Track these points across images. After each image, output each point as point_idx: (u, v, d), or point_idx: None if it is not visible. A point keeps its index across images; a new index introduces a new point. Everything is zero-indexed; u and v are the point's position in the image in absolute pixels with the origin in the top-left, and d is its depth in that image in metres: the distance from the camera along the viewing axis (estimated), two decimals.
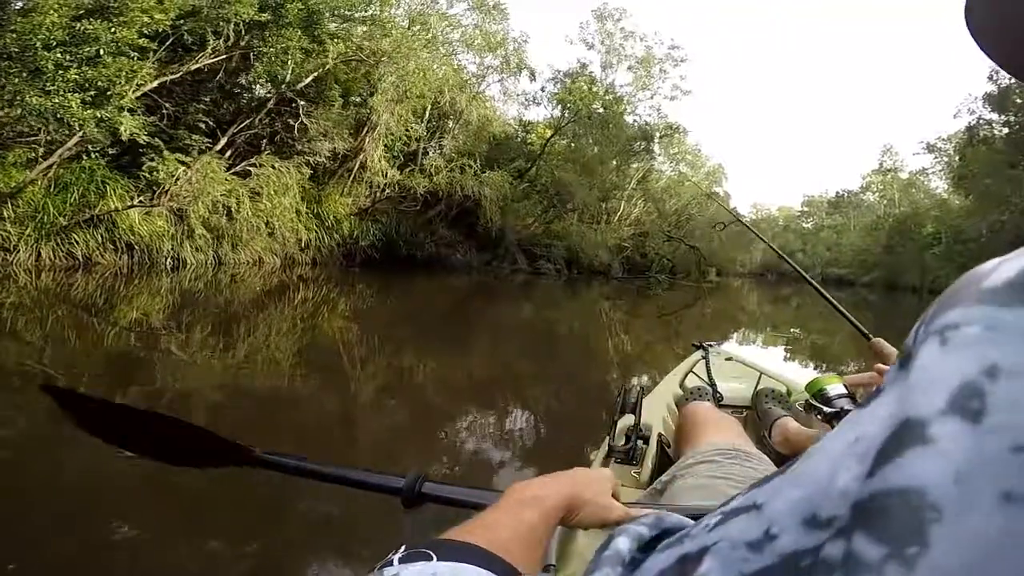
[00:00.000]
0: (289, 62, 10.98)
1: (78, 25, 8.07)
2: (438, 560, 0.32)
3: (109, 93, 8.41)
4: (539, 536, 0.44)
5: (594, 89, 19.78)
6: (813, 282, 1.60)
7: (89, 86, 8.14)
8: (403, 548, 0.34)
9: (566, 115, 19.17)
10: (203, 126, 11.27)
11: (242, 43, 10.78)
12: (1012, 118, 21.93)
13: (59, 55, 7.87)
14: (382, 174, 13.45)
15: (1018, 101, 21.61)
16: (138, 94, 9.23)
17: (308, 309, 10.26)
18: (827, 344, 8.51)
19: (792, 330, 10.09)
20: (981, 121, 24.33)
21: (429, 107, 15.40)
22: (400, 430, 3.31)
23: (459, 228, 16.54)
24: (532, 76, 17.21)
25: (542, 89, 19.34)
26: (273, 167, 11.55)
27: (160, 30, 9.29)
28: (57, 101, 7.64)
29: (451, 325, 8.55)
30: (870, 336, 1.18)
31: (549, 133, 20.68)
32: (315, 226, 13.14)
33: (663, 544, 0.20)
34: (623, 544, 0.23)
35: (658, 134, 23.16)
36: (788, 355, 7.31)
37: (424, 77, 13.46)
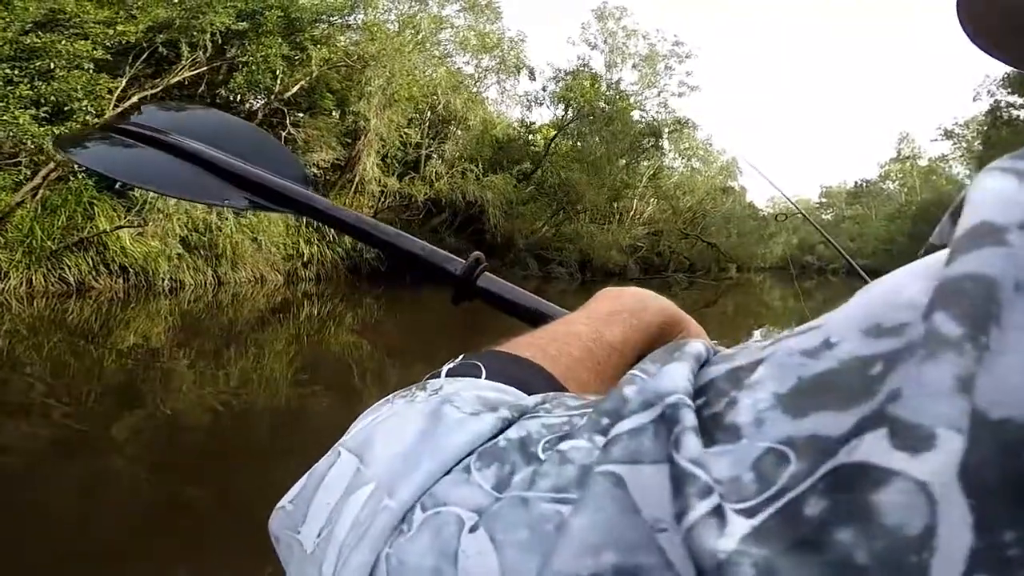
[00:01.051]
0: (276, 71, 10.63)
1: (26, 39, 7.76)
2: (486, 377, 0.28)
3: (68, 109, 8.08)
4: (617, 362, 0.36)
5: (597, 85, 19.26)
6: (865, 274, 1.43)
7: (44, 102, 7.79)
8: (459, 359, 0.31)
9: (570, 114, 18.66)
10: None
11: (226, 54, 10.45)
12: None
13: (7, 70, 7.55)
14: (376, 182, 12.99)
15: None
16: (119, 110, 8.91)
17: (314, 326, 9.96)
18: None
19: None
20: (1003, 103, 23.41)
21: (429, 112, 15.00)
22: None
23: (465, 235, 16.04)
24: (532, 75, 16.77)
25: (543, 88, 18.89)
26: None
27: (131, 43, 8.99)
28: (6, 119, 7.30)
29: (459, 337, 8.56)
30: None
31: (553, 133, 20.27)
32: (317, 240, 12.71)
33: (715, 358, 0.20)
34: (700, 347, 0.20)
35: (667, 130, 22.59)
36: None
37: (413, 79, 13.02)
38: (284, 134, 11.46)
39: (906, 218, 41.78)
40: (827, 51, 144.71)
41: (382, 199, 14.16)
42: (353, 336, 8.96)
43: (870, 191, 53.49)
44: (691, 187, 27.83)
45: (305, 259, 12.70)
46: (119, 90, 9.33)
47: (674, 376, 0.18)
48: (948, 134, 41.34)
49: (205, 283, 11.41)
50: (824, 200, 65.54)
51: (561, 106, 18.56)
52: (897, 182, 50.06)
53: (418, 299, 13.83)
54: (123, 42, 8.86)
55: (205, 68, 10.48)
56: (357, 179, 13.00)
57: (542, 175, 18.24)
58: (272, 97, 11.37)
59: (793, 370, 0.16)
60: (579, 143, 19.87)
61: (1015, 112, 22.92)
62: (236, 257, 11.47)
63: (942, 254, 0.15)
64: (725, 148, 42.94)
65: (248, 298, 11.72)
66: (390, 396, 0.27)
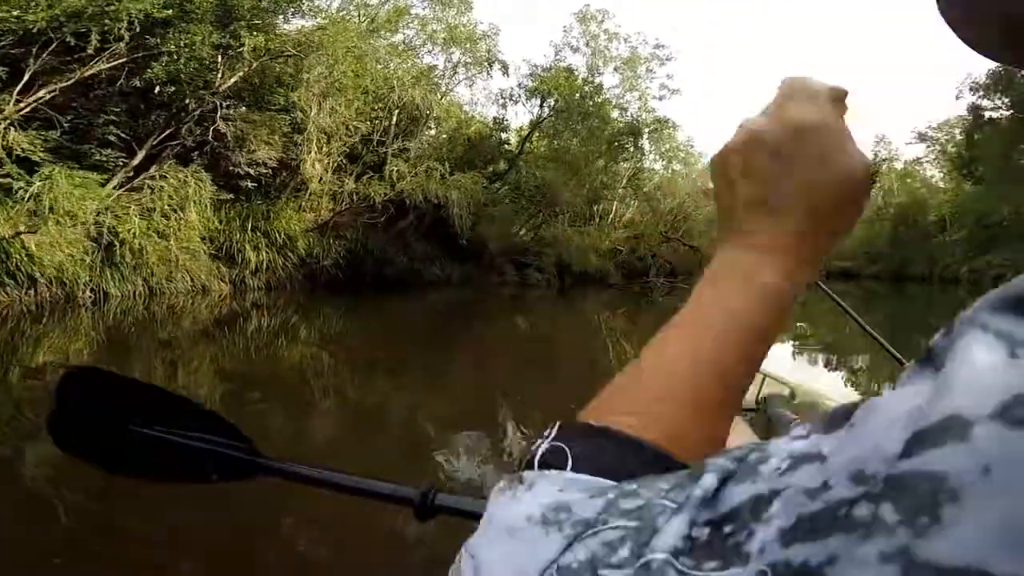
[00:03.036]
0: (207, 62, 9.50)
1: None
2: (572, 467, 0.27)
3: None
4: (754, 350, 0.31)
5: (572, 80, 18.43)
6: (856, 316, 1.46)
7: None
8: (556, 429, 0.29)
9: (546, 110, 17.78)
10: (114, 139, 9.76)
11: (148, 43, 9.29)
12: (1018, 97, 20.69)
13: None
14: (319, 180, 11.82)
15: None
16: (22, 107, 7.77)
17: (264, 339, 9.03)
18: (834, 342, 8.36)
19: (798, 324, 10.04)
20: (985, 102, 23.24)
21: (397, 111, 13.95)
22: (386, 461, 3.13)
23: (435, 240, 15.00)
24: (505, 70, 15.81)
25: (519, 85, 17.99)
26: (181, 179, 9.91)
27: (33, 32, 7.84)
28: None
29: (429, 349, 7.93)
30: (903, 361, 1.21)
31: (528, 130, 19.39)
32: (264, 246, 11.56)
33: (738, 476, 0.21)
34: (709, 482, 0.22)
35: (647, 129, 21.90)
36: (793, 355, 7.07)
37: (362, 66, 11.94)
38: (212, 129, 10.31)
39: (885, 220, 41.93)
40: (804, 53, 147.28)
41: (336, 201, 13.01)
42: (311, 348, 8.20)
43: None
44: (672, 189, 27.26)
45: (253, 267, 11.54)
46: (21, 84, 8.14)
47: (668, 534, 0.20)
48: (922, 137, 41.86)
49: (135, 294, 10.22)
50: None
51: (536, 101, 17.66)
52: (875, 185, 50.53)
53: (382, 307, 12.90)
54: (26, 31, 7.71)
55: (125, 59, 9.32)
56: (300, 179, 11.85)
57: (517, 176, 17.30)
58: (204, 90, 10.21)
59: (796, 508, 0.18)
60: (555, 142, 19.01)
61: (1000, 111, 22.74)
62: (173, 265, 10.31)
63: (929, 409, 0.16)
64: (706, 151, 42.88)
65: (188, 310, 10.61)
66: (502, 485, 0.28)
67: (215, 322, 10.36)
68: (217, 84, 10.23)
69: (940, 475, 0.15)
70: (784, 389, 1.71)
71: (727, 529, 0.19)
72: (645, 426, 0.29)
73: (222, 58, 10.11)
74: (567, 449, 0.28)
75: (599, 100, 19.37)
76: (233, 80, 10.38)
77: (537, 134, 19.85)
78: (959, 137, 36.51)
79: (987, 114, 23.24)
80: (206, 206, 10.20)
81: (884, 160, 47.17)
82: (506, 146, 18.27)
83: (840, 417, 0.20)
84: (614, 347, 8.24)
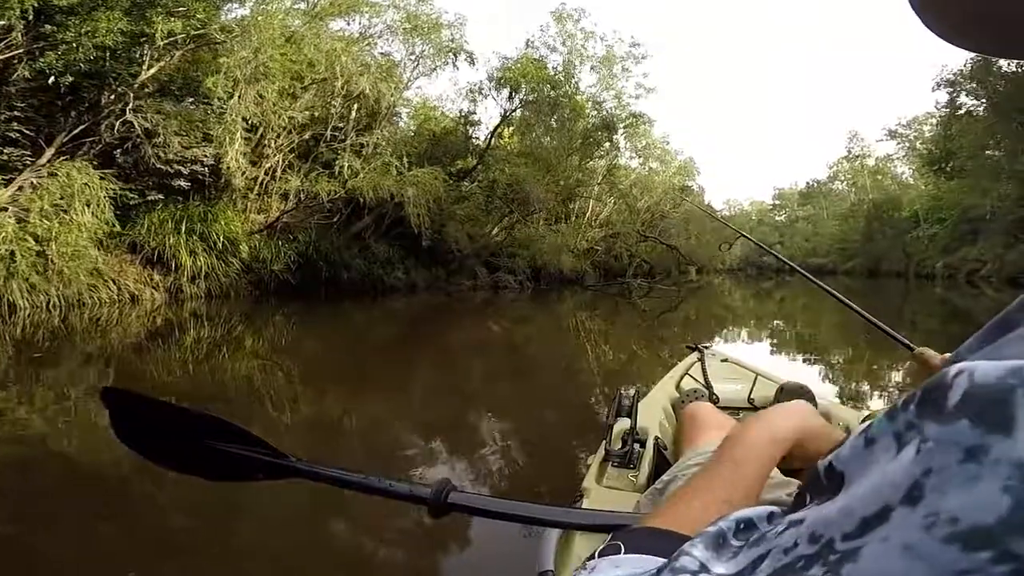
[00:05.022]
0: (116, 51, 8.38)
1: None
2: (624, 552, 0.35)
3: None
4: (755, 492, 0.45)
5: (540, 68, 17.64)
6: (844, 299, 1.69)
7: None
8: (609, 538, 0.38)
9: (515, 102, 16.94)
10: (17, 136, 8.60)
11: (46, 32, 8.15)
12: (999, 87, 20.54)
13: None
14: (243, 174, 10.70)
15: (1004, 68, 20.32)
16: None
17: (202, 352, 8.05)
18: (824, 340, 8.34)
19: (777, 322, 9.95)
20: (963, 93, 23.10)
21: (357, 105, 12.94)
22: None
23: (398, 242, 13.99)
24: (471, 60, 14.86)
25: (488, 78, 17.11)
26: (66, 176, 8.73)
27: None
28: None
29: (390, 359, 7.33)
30: (913, 347, 1.25)
31: (503, 132, 18.53)
32: (202, 250, 10.44)
33: (746, 541, 0.26)
34: (699, 553, 0.27)
35: (621, 125, 21.28)
36: (785, 354, 7.15)
37: (297, 51, 10.84)
38: (118, 124, 9.17)
39: (859, 217, 42.20)
40: (778, 53, 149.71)
41: (287, 201, 11.91)
42: (259, 360, 7.34)
43: (820, 191, 54.33)
44: (649, 186, 26.72)
45: (190, 274, 10.43)
46: None
47: None
48: (892, 134, 42.29)
49: (48, 304, 9.08)
50: (777, 202, 66.68)
51: (505, 93, 16.80)
52: (846, 182, 51.17)
53: (338, 315, 11.97)
54: None
55: (22, 50, 8.17)
56: (226, 176, 10.71)
57: (488, 173, 16.41)
58: (120, 83, 9.06)
59: (776, 561, 0.22)
60: (527, 137, 18.19)
61: (979, 101, 22.60)
62: (95, 273, 9.17)
63: (899, 475, 0.19)
64: (682, 149, 42.66)
65: (114, 322, 9.52)
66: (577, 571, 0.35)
67: (148, 334, 9.31)
68: (140, 76, 9.10)
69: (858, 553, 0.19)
70: (775, 388, 1.78)
71: None
72: (689, 526, 0.37)
73: (147, 48, 9.00)
74: (621, 544, 0.36)
75: (570, 89, 18.64)
76: (153, 71, 9.25)
77: (509, 130, 19.09)
78: (928, 134, 36.90)
79: (964, 106, 23.16)
80: (104, 207, 9.04)
81: (857, 156, 47.76)
82: (474, 140, 17.37)
83: (838, 479, 0.22)
84: (593, 350, 7.71)
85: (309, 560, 1.92)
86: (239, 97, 10.11)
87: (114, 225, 9.42)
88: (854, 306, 1.65)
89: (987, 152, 21.73)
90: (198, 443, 0.81)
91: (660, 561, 0.31)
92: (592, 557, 0.36)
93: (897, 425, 0.20)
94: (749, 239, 2.75)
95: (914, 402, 0.20)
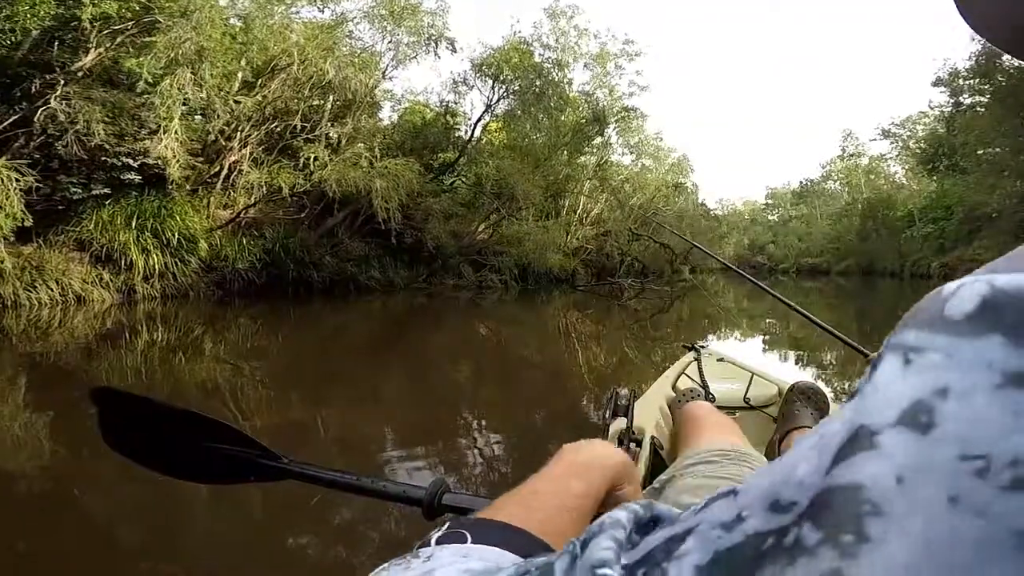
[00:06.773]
0: (39, 34, 7.58)
1: None
2: (472, 542, 0.33)
3: None
4: (587, 508, 0.43)
5: (526, 54, 16.95)
6: (803, 311, 1.75)
7: None
8: (446, 526, 0.35)
9: (499, 91, 16.23)
10: None
11: None
12: (1004, 83, 20.00)
13: None
14: (177, 163, 9.84)
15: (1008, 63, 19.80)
16: None
17: (156, 356, 7.37)
18: (816, 341, 8.44)
19: (770, 322, 9.71)
20: (967, 89, 22.56)
21: (332, 96, 12.14)
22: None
23: (375, 239, 13.22)
24: (452, 47, 14.11)
25: (473, 67, 16.35)
26: None
27: None
28: None
29: (359, 356, 7.02)
30: (867, 353, 1.37)
31: (490, 126, 17.81)
32: (155, 248, 9.64)
33: (658, 527, 0.23)
34: (622, 515, 0.24)
35: (613, 119, 20.62)
36: (780, 354, 7.11)
37: (246, 33, 10.03)
38: (39, 113, 8.34)
39: (853, 216, 41.87)
40: (772, 52, 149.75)
41: (250, 195, 11.09)
42: (220, 365, 6.78)
43: (814, 190, 54.11)
44: (642, 183, 26.09)
45: (143, 273, 9.64)
46: None
47: (593, 553, 0.22)
48: (885, 133, 42.14)
49: None
50: (770, 201, 66.40)
51: (489, 83, 16.06)
52: (839, 181, 51.06)
53: (306, 315, 11.25)
54: None
55: None
56: (161, 168, 9.87)
57: (472, 168, 15.65)
58: (52, 71, 8.23)
59: (712, 543, 0.18)
60: (512, 126, 17.46)
61: (982, 96, 22.07)
62: (35, 271, 8.37)
63: (841, 426, 0.17)
64: (676, 147, 42.10)
65: (56, 325, 8.76)
66: (389, 563, 0.31)
67: (97, 337, 8.56)
68: (78, 64, 8.30)
69: (856, 486, 0.15)
70: (771, 387, 1.76)
71: (640, 572, 0.20)
72: (527, 522, 0.36)
73: (79, 34, 8.20)
74: (466, 531, 0.34)
75: (558, 77, 17.99)
76: (91, 58, 8.44)
77: (496, 124, 18.39)
78: (921, 133, 36.59)
79: (967, 102, 22.64)
80: (14, 200, 8.20)
81: (851, 156, 47.50)
82: (457, 132, 16.61)
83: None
84: (583, 351, 7.37)
85: (305, 562, 1.90)
86: (172, 81, 9.29)
87: (24, 220, 8.58)
88: (805, 312, 1.71)
89: (994, 148, 21.21)
90: (193, 445, 0.77)
91: (513, 557, 0.30)
92: (426, 544, 0.33)
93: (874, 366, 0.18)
94: (700, 248, 2.95)
95: (894, 334, 0.18)
